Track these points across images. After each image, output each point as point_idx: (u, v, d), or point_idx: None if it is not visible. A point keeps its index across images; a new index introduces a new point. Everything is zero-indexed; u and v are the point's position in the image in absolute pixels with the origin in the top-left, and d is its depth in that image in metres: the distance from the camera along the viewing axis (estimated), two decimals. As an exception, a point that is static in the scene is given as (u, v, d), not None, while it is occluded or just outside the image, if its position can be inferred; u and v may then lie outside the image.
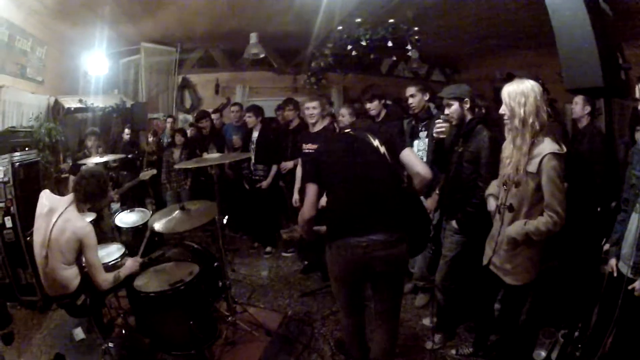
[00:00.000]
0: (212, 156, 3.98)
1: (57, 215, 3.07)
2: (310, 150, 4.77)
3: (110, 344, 3.58)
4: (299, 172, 5.16)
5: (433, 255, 3.93)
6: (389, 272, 2.63)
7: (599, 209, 3.16)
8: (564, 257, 2.97)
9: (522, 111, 2.54)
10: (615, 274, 2.60)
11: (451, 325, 3.73)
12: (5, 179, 4.37)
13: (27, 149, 5.14)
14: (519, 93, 2.56)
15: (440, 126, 3.31)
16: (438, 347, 3.61)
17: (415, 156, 2.83)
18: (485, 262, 2.96)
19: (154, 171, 5.94)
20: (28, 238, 4.37)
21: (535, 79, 2.78)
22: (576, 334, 2.96)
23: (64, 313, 3.99)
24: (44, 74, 6.36)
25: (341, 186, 2.68)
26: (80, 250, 3.11)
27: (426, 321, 3.97)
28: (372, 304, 2.82)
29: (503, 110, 2.65)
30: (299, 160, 5.20)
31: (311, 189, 2.76)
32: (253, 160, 5.90)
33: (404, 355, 3.57)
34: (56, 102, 6.55)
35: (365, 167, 2.68)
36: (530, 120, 2.53)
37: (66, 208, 3.12)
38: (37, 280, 4.39)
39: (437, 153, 3.54)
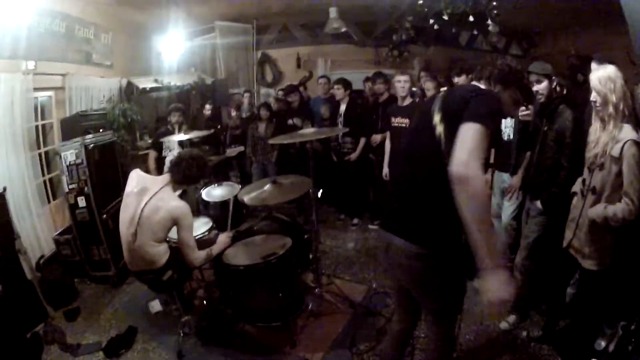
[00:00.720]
0: (307, 131, 4.01)
1: (151, 195, 3.16)
2: (400, 124, 4.81)
3: (190, 315, 3.70)
4: (387, 145, 5.18)
5: (516, 234, 3.87)
6: (413, 285, 2.25)
7: None
8: (632, 250, 2.86)
9: (613, 97, 2.55)
10: None
11: (525, 307, 3.66)
12: (78, 161, 4.52)
13: (101, 130, 5.35)
14: (607, 79, 2.57)
15: (524, 113, 3.29)
16: (512, 328, 3.58)
17: (464, 139, 1.77)
18: (565, 244, 2.96)
19: (242, 148, 6.06)
20: (104, 216, 4.58)
21: (610, 61, 2.71)
22: (633, 327, 2.86)
23: (137, 287, 4.19)
24: (111, 58, 6.58)
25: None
26: (170, 228, 3.21)
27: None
28: None
29: (594, 97, 2.63)
30: (388, 133, 5.22)
31: None
32: (341, 133, 5.91)
33: (479, 334, 3.56)
34: (129, 83, 6.79)
35: (410, 153, 2.17)
36: (621, 106, 2.55)
37: (161, 188, 3.21)
38: (112, 255, 4.60)
39: (523, 134, 3.51)
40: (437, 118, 1.98)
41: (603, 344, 3.00)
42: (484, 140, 1.76)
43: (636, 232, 2.70)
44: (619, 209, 2.51)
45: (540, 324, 3.50)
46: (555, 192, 3.17)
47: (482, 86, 2.10)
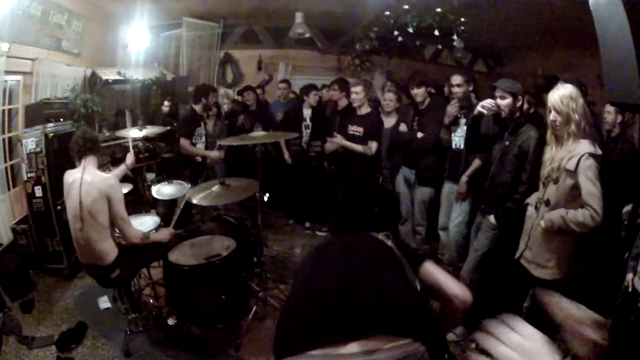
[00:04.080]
0: (257, 134, 3.99)
1: (79, 183, 3.12)
2: (355, 132, 4.79)
3: (137, 314, 3.67)
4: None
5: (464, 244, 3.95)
6: None
7: (625, 222, 3.11)
8: (589, 264, 2.93)
9: (576, 116, 2.61)
10: (630, 289, 2.57)
11: (473, 319, 3.70)
12: (38, 149, 4.46)
13: (61, 119, 5.24)
14: (569, 98, 2.62)
15: (489, 105, 3.33)
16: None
17: (444, 271, 1.67)
18: (517, 255, 3.01)
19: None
20: (58, 207, 4.48)
21: (579, 83, 2.79)
22: None
23: (89, 281, 4.13)
24: (80, 47, 6.44)
25: None
26: (107, 208, 3.17)
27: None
28: None
29: (554, 116, 2.69)
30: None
31: None
32: (307, 138, 5.92)
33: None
34: (93, 73, 6.65)
35: None
36: (583, 124, 2.62)
37: (83, 171, 3.18)
38: (64, 248, 4.51)
39: (472, 131, 3.57)
40: None
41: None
42: None
43: (593, 244, 2.79)
44: (580, 213, 2.55)
45: None
46: (511, 207, 3.23)
47: None
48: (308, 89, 6.14)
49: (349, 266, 1.29)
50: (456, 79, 4.10)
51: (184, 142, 5.10)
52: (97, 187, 3.10)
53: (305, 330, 1.15)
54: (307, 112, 6.01)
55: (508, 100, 3.30)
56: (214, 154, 5.23)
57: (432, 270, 1.63)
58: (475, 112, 3.42)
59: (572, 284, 2.83)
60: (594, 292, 3.03)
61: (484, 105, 3.34)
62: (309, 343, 1.08)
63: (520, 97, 3.32)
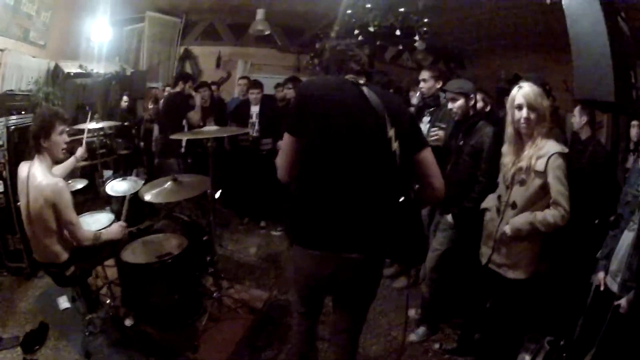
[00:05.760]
0: (210, 128, 3.93)
1: (26, 183, 2.96)
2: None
3: (94, 314, 3.57)
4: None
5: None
6: (356, 294, 2.27)
7: (596, 221, 3.14)
8: (556, 263, 2.95)
9: (547, 113, 2.59)
10: (602, 288, 2.58)
11: (435, 320, 3.72)
12: (0, 143, 4.32)
13: (23, 112, 5.08)
14: (539, 95, 2.58)
15: (436, 134, 3.43)
16: (422, 340, 3.60)
17: (434, 162, 2.08)
18: (484, 261, 2.95)
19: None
20: (18, 203, 4.32)
21: (543, 84, 2.78)
22: (562, 342, 2.95)
23: (49, 280, 3.96)
24: (46, 38, 6.38)
25: (323, 174, 2.07)
26: (54, 215, 2.97)
27: (411, 313, 3.94)
28: (332, 315, 2.51)
29: (526, 113, 2.59)
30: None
31: (289, 142, 2.14)
32: (257, 134, 5.85)
33: (387, 345, 3.56)
34: (56, 66, 6.57)
35: (362, 166, 2.01)
36: (548, 121, 2.61)
37: (31, 168, 2.99)
38: (24, 246, 4.35)
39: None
40: (391, 133, 1.96)
41: (527, 358, 3.09)
42: None
43: (561, 242, 2.77)
44: (548, 214, 2.53)
45: (453, 337, 3.57)
46: (468, 206, 3.21)
47: None
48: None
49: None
50: (423, 74, 4.11)
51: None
52: (43, 193, 2.89)
53: None
54: (254, 109, 5.93)
55: (460, 102, 3.29)
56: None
57: (426, 156, 2.05)
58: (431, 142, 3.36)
59: (541, 283, 2.84)
60: (562, 291, 3.09)
61: (432, 139, 3.43)
62: None
63: (472, 95, 3.31)
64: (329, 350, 2.78)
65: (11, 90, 5.36)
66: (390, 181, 2.05)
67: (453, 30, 6.88)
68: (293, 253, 2.27)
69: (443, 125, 3.52)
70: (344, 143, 1.98)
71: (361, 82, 2.07)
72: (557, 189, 2.52)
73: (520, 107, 2.61)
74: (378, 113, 1.96)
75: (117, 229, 3.39)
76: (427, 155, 2.05)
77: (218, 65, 9.00)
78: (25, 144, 4.22)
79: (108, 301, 3.78)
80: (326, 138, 1.99)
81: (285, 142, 2.15)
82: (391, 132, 1.95)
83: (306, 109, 2.05)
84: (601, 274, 2.62)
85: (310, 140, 2.03)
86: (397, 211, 2.12)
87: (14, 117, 4.61)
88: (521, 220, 2.66)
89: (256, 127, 5.86)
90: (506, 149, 2.81)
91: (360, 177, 2.01)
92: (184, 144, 5.83)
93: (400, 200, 2.11)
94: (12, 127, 4.39)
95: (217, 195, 3.82)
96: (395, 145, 1.96)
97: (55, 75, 6.57)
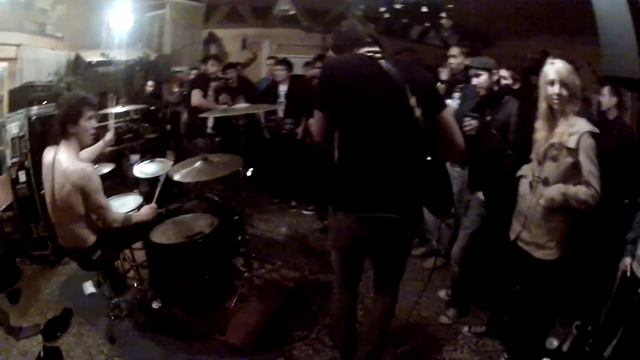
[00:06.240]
0: (240, 106, 3.89)
1: (52, 169, 2.94)
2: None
3: (120, 298, 3.60)
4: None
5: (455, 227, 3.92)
6: (394, 250, 2.51)
7: (626, 201, 3.07)
8: (583, 246, 2.88)
9: (577, 91, 2.58)
10: (628, 274, 2.53)
11: (465, 301, 3.68)
12: (21, 134, 4.36)
13: (44, 103, 5.10)
14: (571, 72, 2.57)
15: (469, 124, 3.40)
16: (452, 322, 3.58)
17: (453, 121, 2.29)
18: (512, 237, 2.92)
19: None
20: (42, 192, 4.36)
21: (570, 61, 2.71)
22: (589, 328, 2.88)
23: (74, 267, 4.00)
24: (64, 30, 6.45)
25: (356, 146, 2.27)
26: (82, 199, 2.97)
27: (442, 293, 3.92)
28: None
29: (560, 90, 2.57)
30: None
31: (320, 117, 2.37)
32: (282, 114, 5.82)
33: (417, 328, 3.53)
34: (77, 56, 6.65)
35: (391, 135, 2.20)
36: (579, 98, 2.61)
37: (57, 154, 2.98)
38: (49, 233, 4.40)
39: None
40: (412, 101, 2.12)
41: (556, 342, 3.03)
42: None
43: (590, 225, 2.77)
44: (581, 191, 2.50)
45: (483, 319, 3.51)
46: (498, 181, 3.17)
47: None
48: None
49: None
50: (452, 50, 4.15)
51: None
52: (70, 179, 2.88)
53: None
54: (282, 88, 5.89)
55: (484, 77, 3.32)
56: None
57: (446, 117, 2.24)
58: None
59: (569, 266, 2.78)
60: (590, 275, 3.01)
61: (466, 129, 3.37)
62: None
63: (495, 71, 3.35)
64: (372, 306, 2.85)
65: (30, 82, 5.38)
66: (417, 145, 2.25)
67: (479, 8, 6.73)
68: (335, 218, 2.47)
69: (476, 115, 3.47)
70: (371, 116, 2.19)
71: (377, 55, 2.24)
72: (589, 169, 2.49)
73: (552, 83, 2.60)
74: (398, 85, 2.13)
75: (147, 211, 3.38)
76: (447, 115, 2.26)
77: (243, 47, 9.00)
78: (47, 134, 4.28)
79: (135, 284, 3.78)
80: (353, 113, 2.19)
81: (317, 117, 2.37)
82: (412, 100, 2.13)
83: (330, 87, 2.27)
84: (627, 259, 2.57)
85: (339, 115, 2.26)
86: (426, 170, 2.35)
87: (34, 107, 4.64)
88: (555, 190, 2.63)
89: (283, 107, 5.83)
90: (539, 124, 2.77)
91: (389, 145, 2.20)
92: (210, 124, 5.80)
93: (428, 159, 2.35)
94: (34, 117, 4.43)
95: (249, 173, 3.79)
96: (418, 112, 2.13)
97: (76, 66, 6.65)
